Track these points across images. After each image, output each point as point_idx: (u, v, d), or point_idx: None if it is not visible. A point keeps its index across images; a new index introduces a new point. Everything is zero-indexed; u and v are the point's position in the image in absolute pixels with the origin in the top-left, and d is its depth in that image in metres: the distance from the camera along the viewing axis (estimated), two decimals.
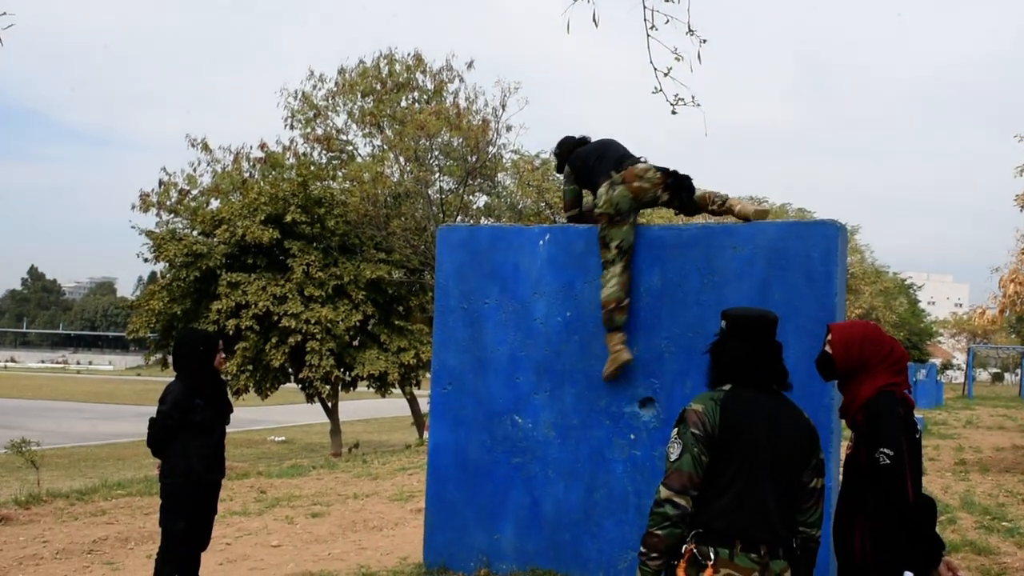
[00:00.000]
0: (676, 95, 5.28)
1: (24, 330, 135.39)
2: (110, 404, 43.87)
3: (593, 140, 5.88)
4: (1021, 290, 14.81)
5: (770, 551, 3.03)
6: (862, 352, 3.51)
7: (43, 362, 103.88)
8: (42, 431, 25.93)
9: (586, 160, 5.74)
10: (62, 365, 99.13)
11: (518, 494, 5.87)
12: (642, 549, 3.05)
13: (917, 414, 3.53)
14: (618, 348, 5.47)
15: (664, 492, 3.04)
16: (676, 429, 3.13)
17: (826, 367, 3.65)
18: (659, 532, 3.02)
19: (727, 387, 3.22)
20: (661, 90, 5.17)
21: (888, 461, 3.30)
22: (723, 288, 5.47)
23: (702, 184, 5.70)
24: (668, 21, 4.79)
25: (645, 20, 4.86)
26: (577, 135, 5.98)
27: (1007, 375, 75.06)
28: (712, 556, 3.00)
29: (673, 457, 3.08)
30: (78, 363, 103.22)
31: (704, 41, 4.98)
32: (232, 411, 5.70)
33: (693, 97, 5.27)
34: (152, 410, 5.44)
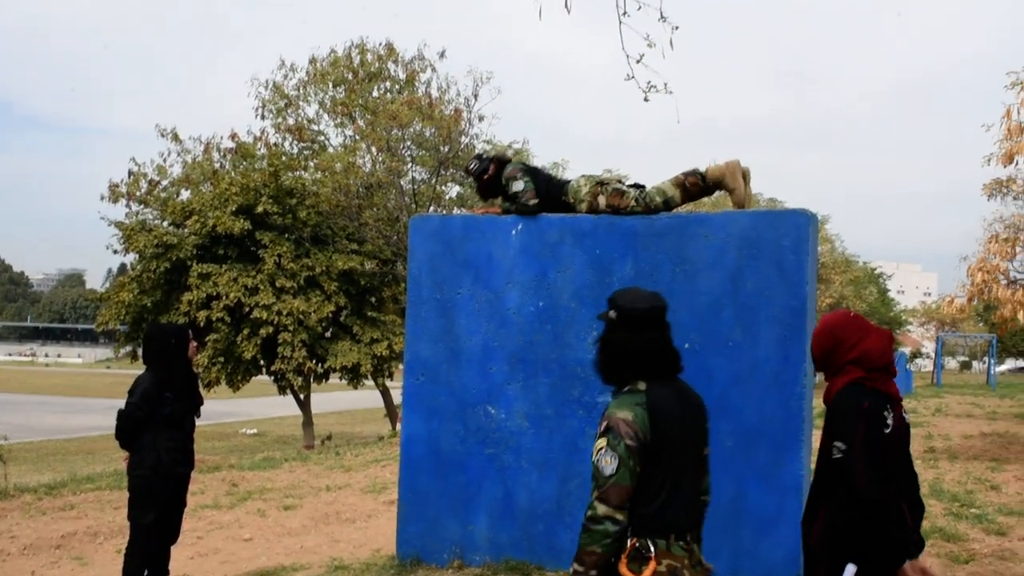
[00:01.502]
0: (649, 82, 5.27)
1: None
2: (79, 397, 43.47)
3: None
4: (989, 278, 14.95)
5: (693, 535, 3.07)
6: (832, 344, 3.51)
7: (10, 355, 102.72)
8: (9, 425, 25.67)
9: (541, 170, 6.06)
10: (30, 358, 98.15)
11: (491, 485, 5.86)
12: (577, 567, 2.94)
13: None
14: None
15: (602, 508, 2.92)
16: (605, 439, 2.97)
17: (813, 360, 3.67)
18: (598, 550, 2.93)
19: (641, 386, 3.12)
20: (633, 77, 5.15)
21: (839, 455, 3.30)
22: (695, 277, 5.48)
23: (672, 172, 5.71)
24: (640, 8, 4.77)
25: (617, 6, 4.83)
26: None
27: (975, 363, 75.90)
28: (652, 548, 2.97)
29: (608, 471, 2.95)
30: (46, 356, 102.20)
31: (676, 28, 4.97)
32: (202, 403, 5.65)
33: (666, 84, 5.26)
34: (121, 402, 5.38)
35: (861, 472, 3.26)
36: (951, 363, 75.26)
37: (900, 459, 3.43)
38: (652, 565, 2.96)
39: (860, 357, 3.44)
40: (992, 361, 44.46)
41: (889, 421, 3.36)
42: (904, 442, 3.47)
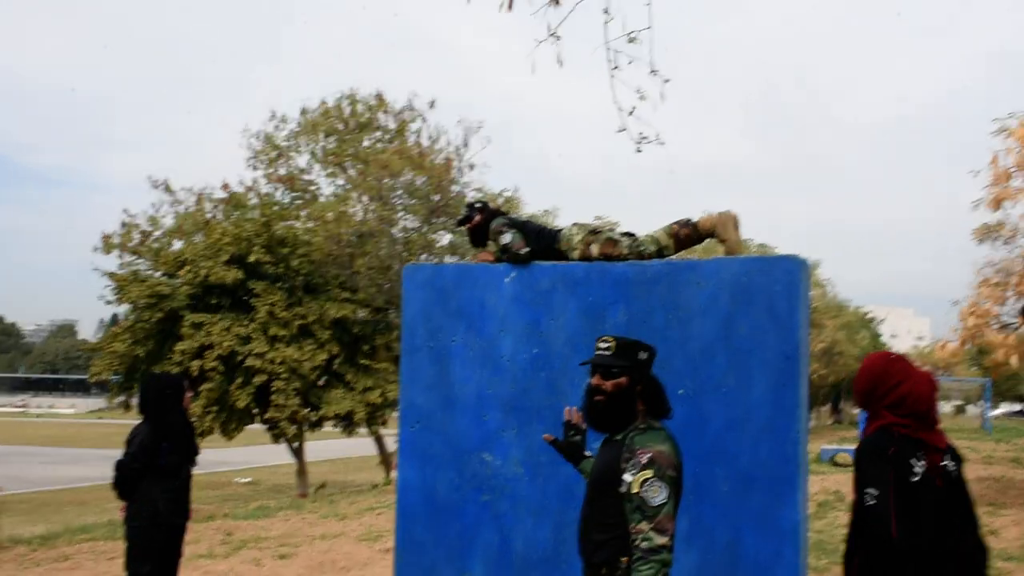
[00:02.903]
0: (640, 133, 5.35)
1: None
2: (72, 448, 43.12)
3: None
4: (981, 323, 15.03)
5: None
6: (870, 386, 3.45)
7: (2, 406, 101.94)
8: (1, 476, 25.43)
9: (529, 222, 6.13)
10: (22, 409, 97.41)
11: (487, 532, 5.84)
12: None
13: None
14: None
15: (659, 539, 2.98)
16: (650, 471, 3.05)
17: (856, 401, 3.61)
18: None
19: (658, 424, 3.20)
20: (625, 129, 5.24)
21: (872, 502, 3.25)
22: (688, 324, 5.51)
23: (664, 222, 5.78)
24: (632, 62, 4.87)
25: (608, 60, 4.93)
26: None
27: (969, 407, 75.84)
28: None
29: (659, 501, 3.00)
30: (39, 407, 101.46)
31: (667, 81, 5.06)
32: (198, 453, 5.65)
33: (657, 135, 5.35)
34: (116, 453, 5.38)
35: (894, 519, 3.19)
36: (946, 407, 75.19)
37: (938, 508, 3.31)
38: None
39: (898, 401, 3.38)
40: (987, 405, 44.45)
41: (917, 469, 3.28)
42: (941, 491, 3.35)
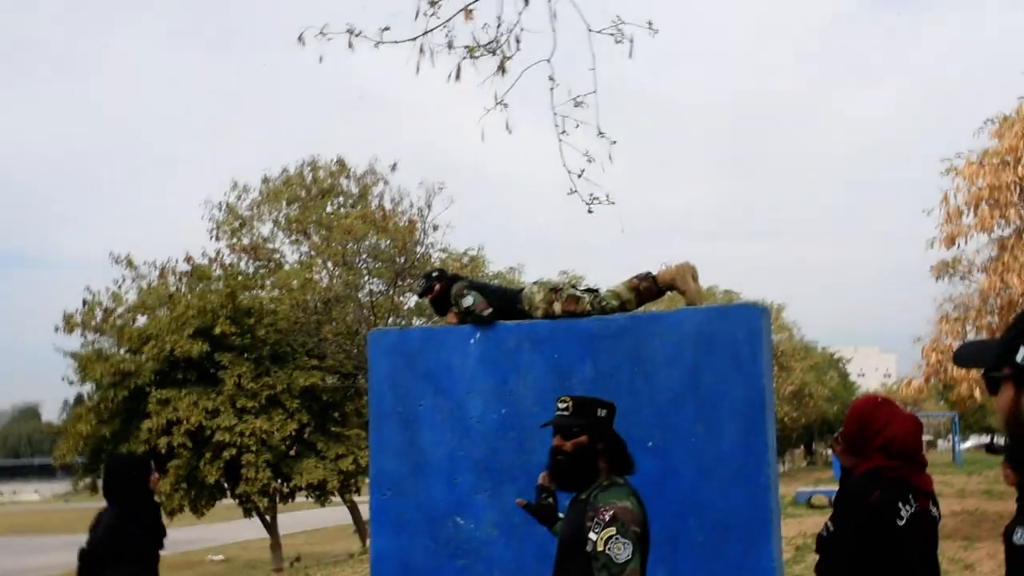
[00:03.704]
0: (591, 194, 5.45)
1: None
2: (37, 536, 42.18)
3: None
4: (943, 358, 15.21)
5: None
6: (856, 429, 3.47)
7: None
8: None
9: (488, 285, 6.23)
10: None
11: None
12: None
13: None
14: None
15: None
16: (614, 527, 3.05)
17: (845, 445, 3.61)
18: None
19: (621, 480, 3.22)
20: (576, 191, 5.33)
21: (825, 532, 3.31)
22: (654, 376, 5.54)
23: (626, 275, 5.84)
24: (579, 126, 4.97)
25: (556, 125, 5.03)
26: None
27: (940, 441, 76.34)
28: None
29: (623, 558, 3.00)
30: (1, 494, 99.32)
31: (614, 142, 5.17)
32: (165, 535, 5.56)
33: (607, 195, 5.44)
34: (82, 538, 5.28)
35: (832, 559, 3.25)
36: None
37: (920, 553, 3.33)
38: None
39: (885, 444, 3.39)
40: (956, 439, 44.77)
41: (903, 514, 3.28)
42: (927, 536, 3.38)
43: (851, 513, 3.30)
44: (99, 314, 21.40)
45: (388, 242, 20.42)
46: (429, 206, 21.00)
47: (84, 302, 21.40)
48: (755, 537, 5.25)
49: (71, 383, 20.50)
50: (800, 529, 15.06)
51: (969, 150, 15.22)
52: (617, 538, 3.03)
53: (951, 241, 15.27)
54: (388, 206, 21.58)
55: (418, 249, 20.83)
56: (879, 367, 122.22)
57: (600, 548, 3.05)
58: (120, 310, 21.69)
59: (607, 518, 3.08)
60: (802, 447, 60.63)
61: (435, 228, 21.27)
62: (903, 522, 3.27)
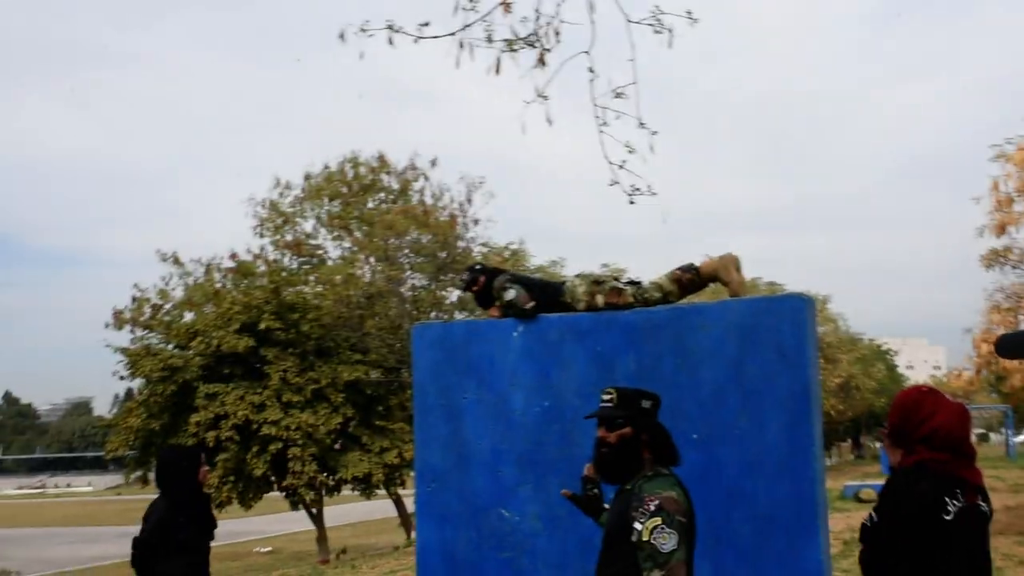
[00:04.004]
0: (632, 185, 5.41)
1: (0, 457, 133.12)
2: (91, 526, 42.96)
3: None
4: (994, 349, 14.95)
5: None
6: (900, 420, 3.40)
7: (20, 488, 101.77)
8: (22, 560, 25.36)
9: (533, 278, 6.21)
10: (40, 490, 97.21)
11: None
12: None
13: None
14: None
15: None
16: (659, 518, 3.04)
17: (890, 436, 3.54)
18: None
19: (666, 471, 3.21)
20: (617, 183, 5.31)
21: (868, 523, 3.27)
22: (697, 368, 5.51)
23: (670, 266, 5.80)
24: (619, 117, 4.95)
25: (596, 117, 5.01)
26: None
27: (992, 435, 75.11)
28: None
29: (669, 547, 2.99)
30: (56, 486, 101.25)
31: (655, 133, 5.14)
32: (216, 527, 5.64)
33: (649, 186, 5.41)
34: (134, 529, 5.37)
35: (876, 549, 3.20)
36: None
37: (968, 548, 3.25)
38: None
39: (930, 435, 3.32)
40: (1009, 432, 43.98)
41: (951, 508, 3.21)
42: (975, 532, 3.29)
43: (896, 507, 3.24)
44: (147, 311, 21.72)
45: (429, 237, 20.48)
46: (470, 201, 21.06)
47: (133, 299, 21.75)
48: (801, 531, 5.20)
49: (121, 378, 20.82)
50: (848, 524, 14.89)
51: (1020, 136, 14.94)
52: (662, 528, 3.02)
53: (1001, 229, 15.01)
54: (429, 201, 21.65)
55: (459, 244, 20.87)
56: (928, 359, 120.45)
57: (645, 538, 3.04)
58: (167, 306, 22.01)
59: (652, 508, 3.07)
60: (849, 440, 59.93)
61: (476, 223, 21.32)
62: (950, 517, 3.20)
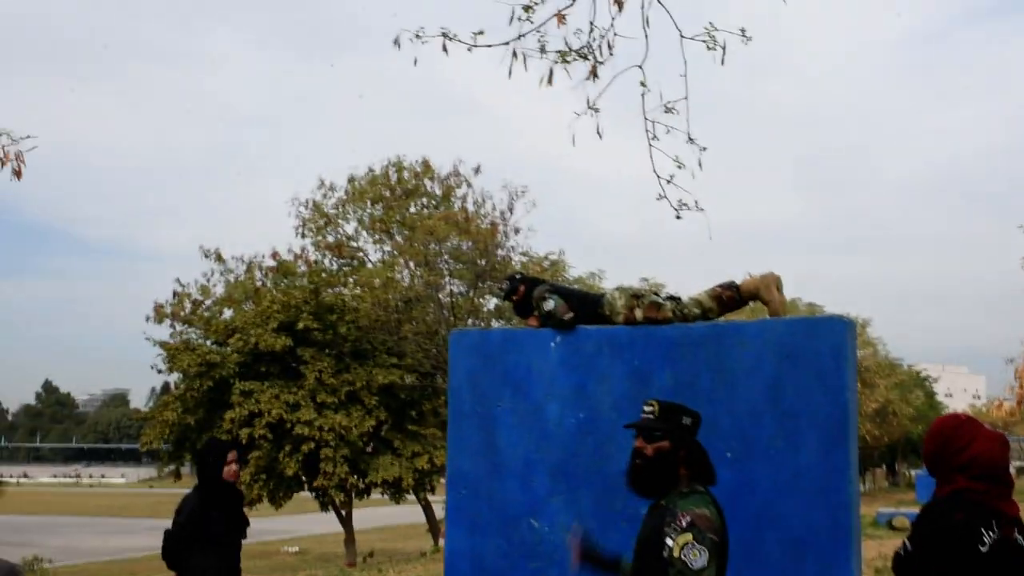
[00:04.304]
0: (680, 200, 5.40)
1: (37, 445, 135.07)
2: (123, 518, 43.45)
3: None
4: None
5: None
6: (937, 448, 3.32)
7: (56, 476, 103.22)
8: (53, 548, 25.64)
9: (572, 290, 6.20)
10: (75, 479, 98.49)
11: None
12: None
13: None
14: None
15: None
16: (689, 534, 3.04)
17: (926, 466, 3.47)
18: None
19: (701, 488, 3.20)
20: (665, 196, 5.29)
21: (903, 553, 3.23)
22: (734, 386, 5.47)
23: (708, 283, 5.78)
24: (669, 132, 4.94)
25: (647, 131, 5.00)
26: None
27: None
28: None
29: (699, 565, 2.98)
30: (91, 476, 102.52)
31: (704, 149, 5.12)
32: (248, 524, 5.68)
33: (696, 202, 5.39)
34: (166, 522, 5.42)
35: None
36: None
37: None
38: None
39: (968, 463, 3.24)
40: None
41: (986, 540, 3.12)
42: (1012, 566, 3.17)
43: (930, 536, 3.18)
44: (188, 306, 21.96)
45: (470, 244, 20.53)
46: (511, 209, 21.11)
47: (174, 293, 22.03)
48: (834, 556, 5.14)
49: (159, 372, 21.11)
50: (880, 551, 14.69)
51: None
52: (693, 544, 3.01)
53: None
54: (471, 208, 21.72)
55: (499, 252, 20.90)
56: (967, 388, 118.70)
57: (676, 554, 3.03)
58: (208, 302, 22.24)
59: (684, 524, 3.06)
60: (884, 467, 59.16)
61: (516, 231, 21.35)
62: (986, 549, 3.11)
